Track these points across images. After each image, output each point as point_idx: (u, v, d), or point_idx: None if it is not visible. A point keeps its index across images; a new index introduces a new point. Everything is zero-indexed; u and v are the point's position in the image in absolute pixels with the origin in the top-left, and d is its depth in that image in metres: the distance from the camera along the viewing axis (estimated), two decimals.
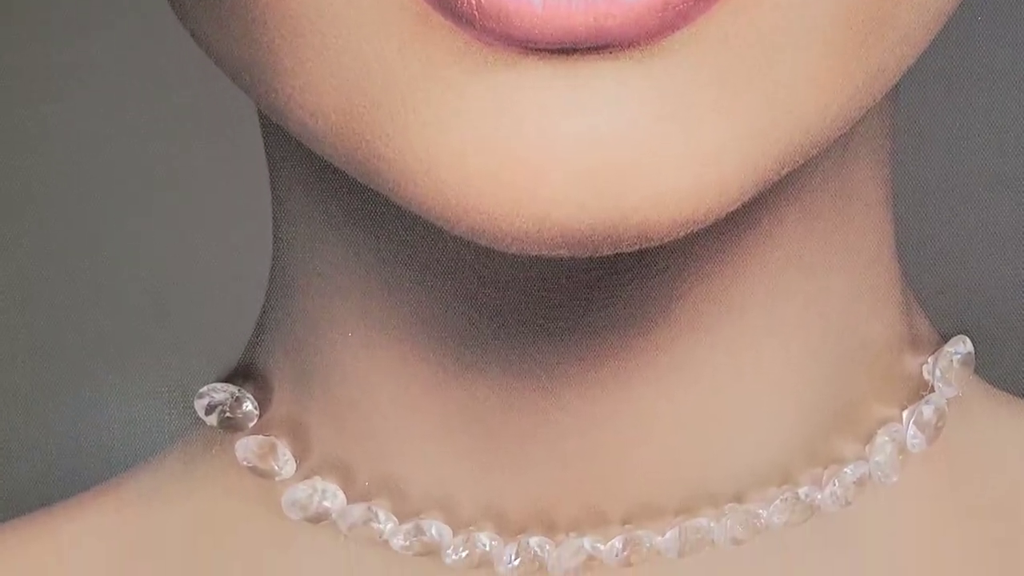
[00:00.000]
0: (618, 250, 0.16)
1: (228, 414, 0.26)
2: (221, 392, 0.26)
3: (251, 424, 0.26)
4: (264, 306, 0.27)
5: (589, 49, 0.15)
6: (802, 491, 0.23)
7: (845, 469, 0.23)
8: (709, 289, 0.21)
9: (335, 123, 0.16)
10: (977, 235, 0.57)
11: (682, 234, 0.16)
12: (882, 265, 0.25)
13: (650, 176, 0.15)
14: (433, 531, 0.23)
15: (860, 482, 0.24)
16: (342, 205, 0.22)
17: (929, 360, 0.25)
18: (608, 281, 0.21)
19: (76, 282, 0.57)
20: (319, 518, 0.24)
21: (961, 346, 0.25)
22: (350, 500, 0.24)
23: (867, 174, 0.23)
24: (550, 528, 0.23)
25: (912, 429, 0.24)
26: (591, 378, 0.22)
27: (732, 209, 0.16)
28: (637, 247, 0.16)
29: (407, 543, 0.23)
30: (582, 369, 0.22)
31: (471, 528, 0.23)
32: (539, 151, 0.15)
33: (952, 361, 0.25)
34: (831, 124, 0.17)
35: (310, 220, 0.23)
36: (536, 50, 0.15)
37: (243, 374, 0.27)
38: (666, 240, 0.16)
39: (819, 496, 0.23)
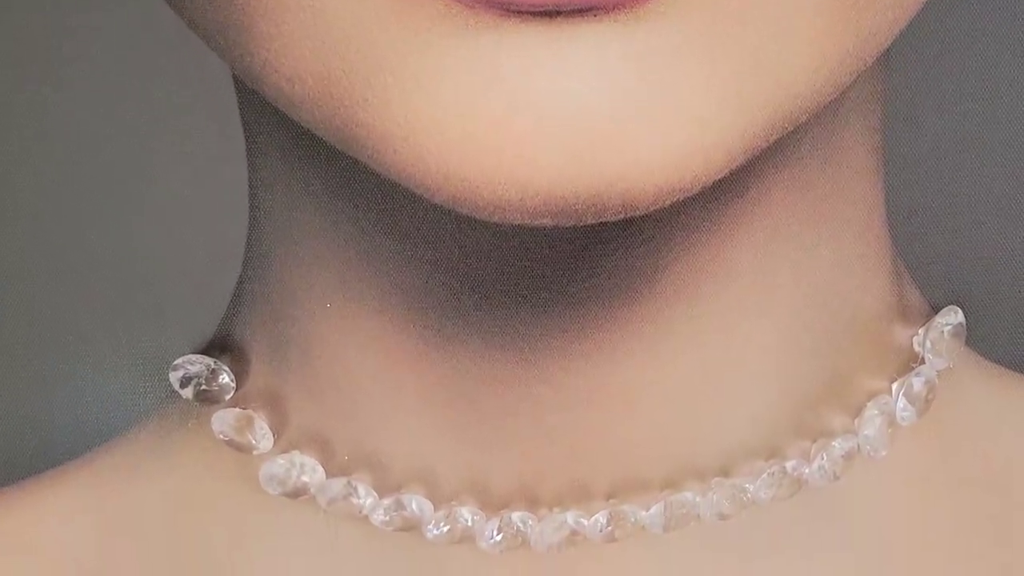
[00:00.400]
0: (602, 219, 0.16)
1: (204, 387, 0.25)
2: (196, 364, 0.25)
3: (228, 397, 0.26)
4: (240, 276, 0.27)
5: (572, 12, 0.15)
6: (789, 465, 0.23)
7: (833, 443, 0.24)
8: (695, 259, 0.21)
9: (312, 88, 0.16)
10: (969, 204, 0.57)
11: (667, 202, 0.16)
12: (872, 234, 0.25)
13: (635, 143, 0.15)
14: (414, 506, 0.23)
15: (849, 456, 0.24)
16: (320, 173, 0.22)
17: (920, 331, 0.25)
18: (592, 251, 0.20)
19: (47, 255, 0.56)
20: (298, 493, 0.24)
21: (952, 317, 0.25)
22: (329, 475, 0.24)
23: (857, 141, 0.23)
24: (533, 503, 0.23)
25: (902, 402, 0.24)
26: (575, 350, 0.22)
27: (719, 177, 0.16)
28: (621, 216, 0.16)
29: (387, 518, 0.23)
30: (565, 341, 0.22)
31: (453, 503, 0.23)
32: (520, 116, 0.15)
33: (943, 332, 0.25)
34: (821, 90, 0.17)
35: (287, 188, 0.23)
36: (518, 13, 0.15)
37: (219, 346, 0.27)
38: (651, 208, 0.16)
39: (807, 470, 0.23)
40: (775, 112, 0.16)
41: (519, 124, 0.15)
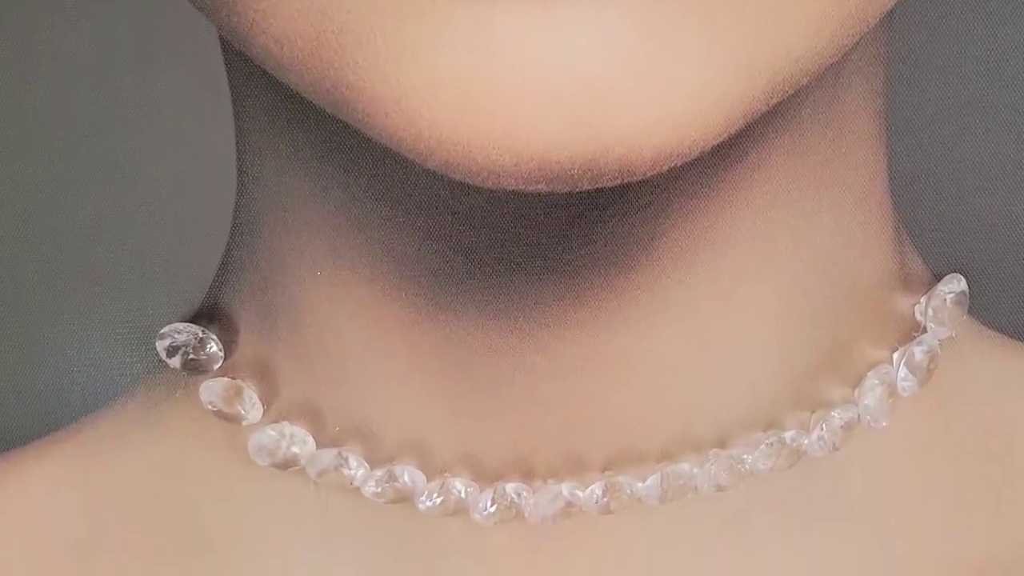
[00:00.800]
0: (598, 184, 0.16)
1: (192, 356, 0.26)
2: (184, 333, 0.26)
3: (216, 366, 0.26)
4: (229, 244, 0.27)
5: None
6: (788, 435, 0.23)
7: (833, 413, 0.24)
8: (693, 226, 0.21)
9: (301, 49, 0.16)
10: (974, 169, 0.57)
11: (665, 168, 0.16)
12: (874, 200, 0.25)
13: (632, 107, 0.15)
14: (406, 477, 0.23)
15: (848, 426, 0.24)
16: (310, 137, 0.22)
17: (922, 300, 0.25)
18: (588, 217, 0.20)
19: (32, 220, 0.56)
20: (287, 464, 0.24)
21: (955, 285, 0.25)
22: (320, 445, 0.24)
23: (859, 105, 0.23)
24: (527, 474, 0.23)
25: (903, 371, 0.24)
26: (570, 319, 0.22)
27: (718, 142, 0.16)
28: (618, 181, 0.16)
29: (379, 490, 0.23)
30: (561, 309, 0.22)
31: (446, 474, 0.23)
32: (516, 80, 0.15)
33: (945, 301, 0.25)
34: (822, 52, 0.17)
35: (276, 153, 0.23)
36: None
37: (207, 314, 0.27)
38: (649, 174, 0.16)
39: (806, 441, 0.23)
40: (776, 75, 0.16)
41: (514, 87, 0.15)
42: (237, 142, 0.25)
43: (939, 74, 0.56)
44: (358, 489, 0.24)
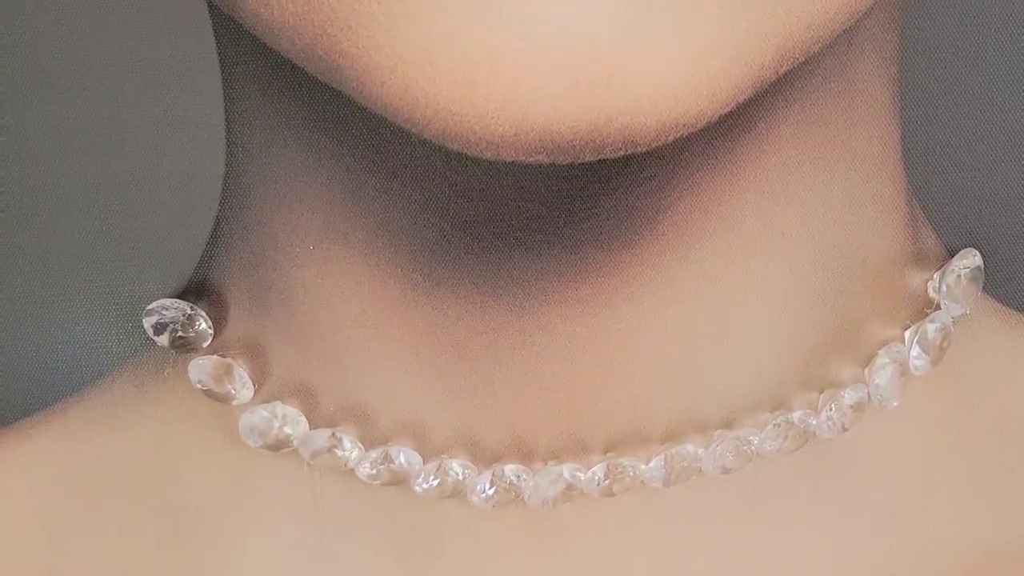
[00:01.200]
0: (601, 156, 0.16)
1: (180, 333, 0.25)
2: (172, 309, 0.25)
3: (205, 344, 0.25)
4: (218, 217, 0.27)
5: None
6: (796, 416, 0.23)
7: (842, 393, 0.24)
8: (699, 200, 0.21)
9: (292, 13, 0.16)
10: (990, 141, 0.57)
11: (671, 138, 0.16)
12: (887, 173, 0.25)
13: (636, 75, 0.15)
14: (402, 459, 0.23)
15: (858, 407, 0.24)
16: (301, 106, 0.22)
17: (935, 276, 0.25)
18: (590, 191, 0.20)
19: (14, 194, 0.56)
20: (279, 445, 0.24)
21: (969, 260, 0.25)
22: (313, 426, 0.24)
23: (873, 73, 0.23)
24: (528, 456, 0.23)
25: (915, 350, 0.24)
26: (572, 296, 0.22)
27: (725, 111, 0.16)
28: (622, 152, 0.16)
29: (374, 471, 0.23)
30: (562, 286, 0.21)
31: (443, 456, 0.23)
32: (516, 47, 0.15)
33: (960, 277, 0.25)
34: (834, 17, 0.17)
35: (267, 123, 0.23)
36: None
37: (196, 291, 0.27)
38: (653, 145, 0.16)
39: (814, 422, 0.23)
40: (785, 41, 0.16)
41: (514, 55, 0.15)
42: (226, 112, 0.25)
43: (954, 41, 0.55)
44: (352, 471, 0.24)
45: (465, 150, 0.16)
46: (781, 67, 0.17)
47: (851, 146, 0.23)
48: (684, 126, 0.16)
